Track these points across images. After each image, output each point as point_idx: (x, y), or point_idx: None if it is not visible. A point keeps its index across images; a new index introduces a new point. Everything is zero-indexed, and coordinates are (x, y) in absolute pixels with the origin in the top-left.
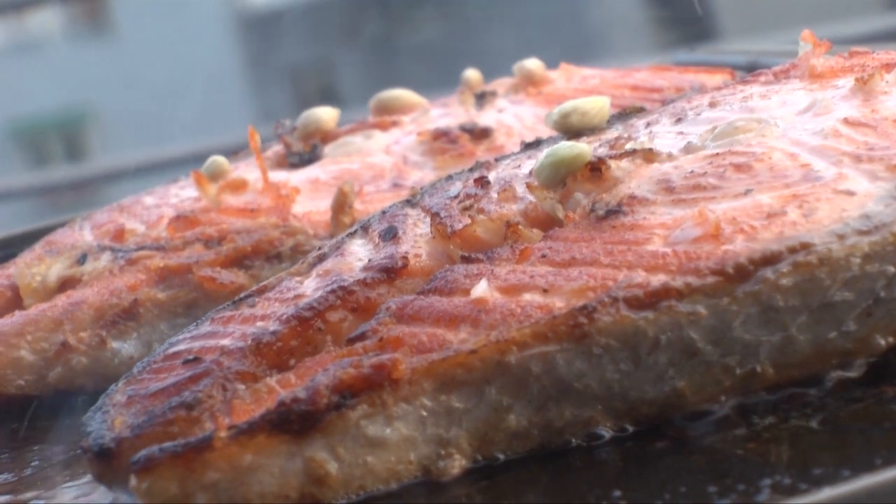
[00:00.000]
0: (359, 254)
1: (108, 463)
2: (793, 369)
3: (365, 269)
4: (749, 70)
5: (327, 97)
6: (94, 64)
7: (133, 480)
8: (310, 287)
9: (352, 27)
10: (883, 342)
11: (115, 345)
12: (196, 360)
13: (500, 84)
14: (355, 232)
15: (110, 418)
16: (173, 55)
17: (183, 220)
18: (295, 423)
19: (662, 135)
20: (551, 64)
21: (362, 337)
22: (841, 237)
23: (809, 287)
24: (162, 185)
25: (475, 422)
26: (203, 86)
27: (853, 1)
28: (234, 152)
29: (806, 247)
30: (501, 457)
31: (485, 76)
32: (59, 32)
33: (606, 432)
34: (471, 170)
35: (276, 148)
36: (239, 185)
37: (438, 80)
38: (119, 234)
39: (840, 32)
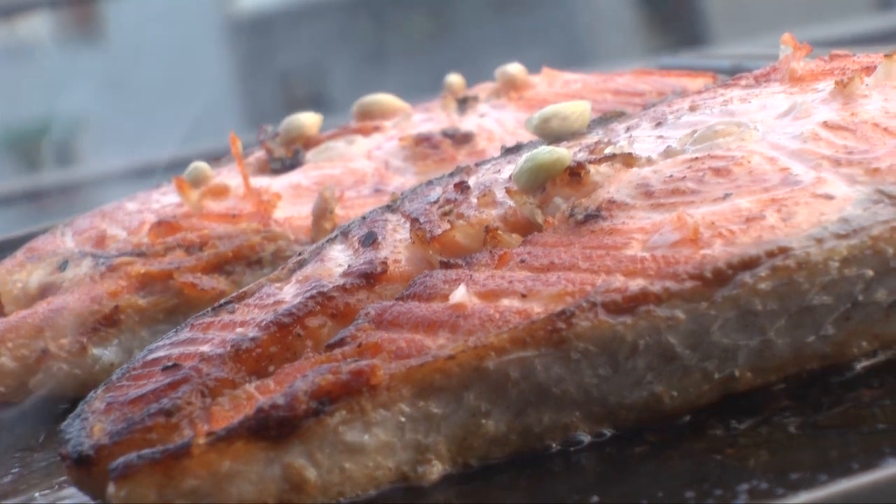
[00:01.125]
0: (338, 259)
1: (87, 470)
2: (771, 373)
3: (344, 274)
4: (733, 74)
5: (318, 102)
6: (85, 69)
7: (111, 488)
8: (289, 293)
9: (342, 32)
10: (861, 346)
11: (95, 351)
12: (175, 366)
13: (483, 89)
14: (335, 237)
15: (89, 425)
16: (164, 61)
17: (164, 225)
18: (273, 429)
19: (642, 139)
20: (541, 67)
21: (341, 343)
22: (819, 241)
23: (788, 291)
24: (145, 190)
25: (454, 427)
26: (194, 91)
27: (845, 2)
28: (217, 158)
29: (784, 251)
30: (480, 462)
31: (475, 81)
32: (49, 38)
33: (585, 437)
34: (451, 175)
35: (259, 154)
36: (220, 191)
37: (428, 85)
38: (100, 240)
39: (830, 34)
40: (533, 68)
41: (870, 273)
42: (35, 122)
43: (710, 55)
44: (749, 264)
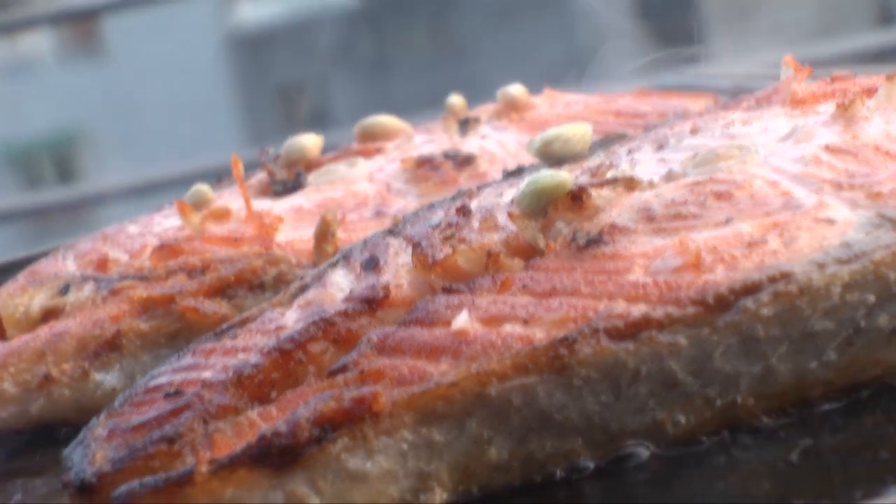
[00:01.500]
0: (340, 284)
1: (89, 497)
2: (774, 400)
3: (346, 299)
4: (733, 94)
5: (318, 117)
6: (85, 85)
7: None
8: (291, 318)
9: (342, 48)
10: (864, 372)
11: (97, 376)
12: (177, 393)
13: (484, 110)
14: (337, 262)
15: (91, 452)
16: (164, 76)
17: (166, 249)
18: (276, 456)
19: (644, 162)
20: (541, 83)
21: (343, 369)
22: (821, 266)
23: (790, 316)
24: (147, 212)
25: (456, 455)
26: (194, 106)
27: (846, 18)
28: (218, 179)
29: (786, 276)
30: (483, 490)
31: (475, 97)
32: (50, 54)
33: (589, 464)
34: (452, 198)
35: (260, 175)
36: (222, 214)
37: (429, 98)
38: (102, 263)
39: (831, 50)
40: (534, 80)
41: (872, 298)
42: (36, 138)
43: (710, 74)
44: (751, 289)
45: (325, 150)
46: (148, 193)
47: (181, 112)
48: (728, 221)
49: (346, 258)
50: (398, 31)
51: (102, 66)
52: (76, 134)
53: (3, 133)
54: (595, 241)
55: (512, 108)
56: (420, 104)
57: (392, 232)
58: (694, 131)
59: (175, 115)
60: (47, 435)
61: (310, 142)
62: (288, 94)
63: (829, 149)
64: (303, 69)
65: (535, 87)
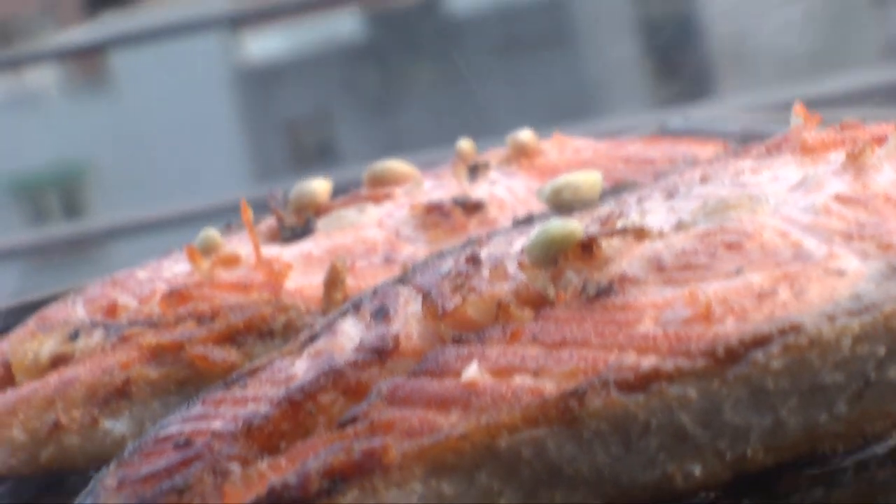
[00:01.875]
0: (350, 333)
1: None
2: (784, 452)
3: (356, 350)
4: (742, 139)
5: (325, 151)
6: (92, 119)
7: None
8: (301, 368)
9: (349, 81)
10: (874, 425)
11: (107, 423)
12: (187, 443)
13: (493, 155)
14: (347, 311)
15: (101, 503)
16: (172, 110)
17: (175, 295)
18: None
19: (654, 211)
20: (549, 121)
21: (353, 420)
22: (831, 318)
23: (800, 369)
24: (154, 252)
25: None
26: (201, 140)
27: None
28: (227, 224)
29: (796, 328)
30: None
31: (482, 132)
32: (56, 87)
33: None
34: (462, 247)
35: (269, 221)
36: (232, 260)
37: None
38: (112, 309)
39: (836, 87)
40: (541, 115)
41: (882, 351)
42: (42, 172)
43: (716, 116)
44: (761, 342)
45: (333, 187)
46: (155, 230)
47: (188, 146)
48: (738, 272)
49: (356, 307)
50: (405, 66)
51: (109, 101)
52: (82, 168)
53: (8, 167)
54: (605, 292)
55: (521, 154)
56: (427, 138)
57: (402, 280)
58: (704, 180)
59: (181, 149)
60: (56, 483)
61: (319, 186)
62: (295, 129)
63: (839, 199)
64: (310, 104)
65: (542, 122)
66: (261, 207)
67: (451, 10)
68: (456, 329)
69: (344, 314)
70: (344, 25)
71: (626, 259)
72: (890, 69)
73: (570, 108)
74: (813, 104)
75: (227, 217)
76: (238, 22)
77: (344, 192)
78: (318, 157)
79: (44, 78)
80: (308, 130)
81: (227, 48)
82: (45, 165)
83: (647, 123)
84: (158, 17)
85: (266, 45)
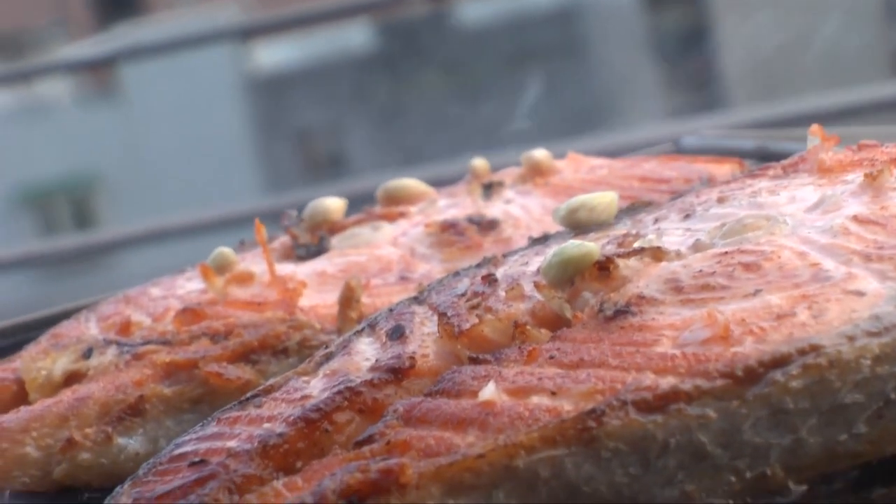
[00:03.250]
0: (366, 353)
1: None
2: (804, 472)
3: (372, 369)
4: (757, 156)
5: (336, 161)
6: (102, 129)
7: None
8: (317, 387)
9: (359, 90)
10: (894, 445)
11: (121, 441)
12: (202, 462)
13: (508, 174)
14: (362, 330)
15: None
16: (182, 120)
17: (189, 313)
18: None
19: (671, 231)
20: (559, 133)
21: (370, 440)
22: (851, 339)
23: (819, 389)
24: (166, 267)
25: None
26: (212, 150)
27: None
28: (241, 242)
29: (816, 349)
30: None
31: (491, 142)
32: (67, 97)
33: None
34: (478, 266)
35: (283, 239)
36: (245, 278)
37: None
38: (125, 326)
39: (847, 100)
40: (551, 128)
41: None
42: (53, 182)
43: (731, 134)
44: (780, 362)
45: (344, 197)
46: (165, 240)
47: (198, 156)
48: (756, 293)
49: (372, 326)
50: (415, 76)
51: (120, 111)
52: (93, 178)
53: (20, 177)
54: (622, 312)
55: (536, 173)
56: (437, 148)
57: (417, 300)
58: (721, 200)
59: (192, 160)
60: (70, 500)
61: (333, 204)
62: (305, 139)
63: (857, 219)
64: (320, 114)
65: (552, 134)
66: (272, 219)
67: (462, 20)
68: (472, 349)
69: (359, 333)
70: (355, 36)
71: (643, 279)
72: None
73: (581, 118)
74: (824, 117)
75: (237, 227)
76: (249, 33)
77: (356, 203)
78: (328, 166)
79: (55, 89)
80: (318, 140)
81: (237, 59)
82: (55, 175)
83: (659, 137)
84: (169, 28)
85: (277, 55)
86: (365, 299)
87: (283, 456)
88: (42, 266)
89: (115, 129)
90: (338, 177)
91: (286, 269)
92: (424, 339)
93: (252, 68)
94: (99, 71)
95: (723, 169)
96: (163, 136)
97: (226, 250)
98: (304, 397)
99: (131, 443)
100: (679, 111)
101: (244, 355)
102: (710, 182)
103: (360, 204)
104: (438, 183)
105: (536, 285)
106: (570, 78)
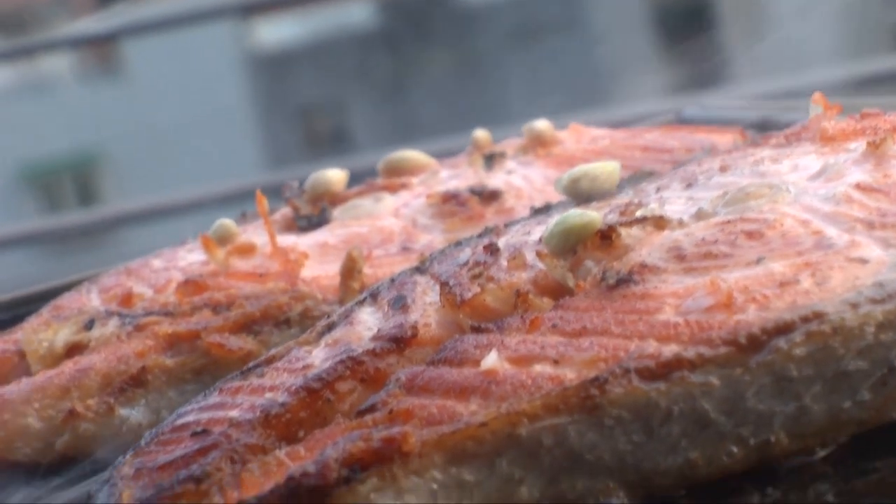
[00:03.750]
0: (368, 322)
1: None
2: (808, 439)
3: (374, 338)
4: (760, 127)
5: (338, 138)
6: (105, 106)
7: None
8: (318, 357)
9: (362, 67)
10: None
11: (122, 412)
12: (204, 432)
13: (510, 145)
14: (364, 300)
15: (118, 491)
16: (185, 97)
17: (191, 284)
18: (304, 497)
19: (673, 200)
20: (562, 108)
21: (372, 409)
22: (854, 306)
23: (823, 356)
24: (168, 240)
25: (486, 494)
26: (214, 127)
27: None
28: (243, 214)
29: (819, 316)
30: None
31: (495, 117)
32: (70, 74)
33: (621, 503)
34: (480, 236)
35: (285, 210)
36: (247, 249)
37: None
38: (127, 298)
39: (852, 73)
40: (554, 103)
41: None
42: (57, 159)
43: (735, 106)
44: (783, 329)
45: (348, 175)
46: (168, 216)
47: (201, 133)
48: (759, 261)
49: (374, 296)
50: (417, 53)
51: (123, 88)
52: (96, 155)
53: (23, 154)
54: (625, 281)
55: (538, 143)
56: (440, 124)
57: (419, 270)
58: (723, 169)
59: (194, 136)
60: (72, 471)
61: (334, 176)
62: (308, 116)
63: (860, 187)
64: (322, 91)
65: (555, 109)
66: (274, 194)
67: None
68: (474, 318)
69: (361, 303)
70: (357, 12)
71: (645, 248)
72: None
73: (583, 94)
74: (828, 91)
75: (240, 203)
76: (250, 9)
77: (358, 178)
78: (331, 143)
79: (58, 66)
80: (321, 117)
81: (239, 35)
82: (59, 152)
83: (662, 110)
84: (171, 5)
85: (279, 32)
86: (367, 270)
87: (286, 425)
88: (46, 243)
89: (118, 105)
90: (340, 152)
91: (288, 240)
92: (426, 308)
93: (255, 45)
94: (102, 48)
95: (725, 139)
96: (166, 113)
97: (227, 222)
98: (306, 367)
99: (133, 413)
100: (683, 86)
101: (246, 326)
102: (712, 151)
103: (362, 180)
104: (441, 157)
105: (539, 254)
106: (572, 54)
